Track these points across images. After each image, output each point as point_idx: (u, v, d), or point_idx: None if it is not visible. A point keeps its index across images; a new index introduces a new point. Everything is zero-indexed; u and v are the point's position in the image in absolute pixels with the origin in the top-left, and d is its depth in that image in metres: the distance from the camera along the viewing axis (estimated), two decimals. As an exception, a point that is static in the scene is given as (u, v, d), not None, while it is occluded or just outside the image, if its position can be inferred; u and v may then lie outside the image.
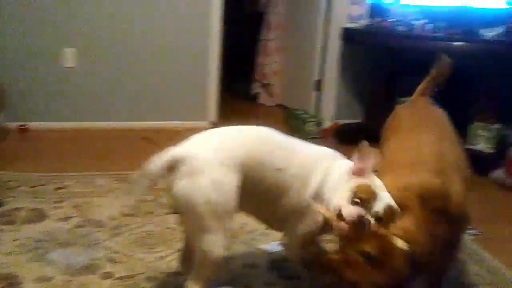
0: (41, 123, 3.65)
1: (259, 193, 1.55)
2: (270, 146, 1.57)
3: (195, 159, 1.42)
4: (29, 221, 2.19)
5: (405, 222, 1.32)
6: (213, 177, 1.41)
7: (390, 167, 1.55)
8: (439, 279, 1.72)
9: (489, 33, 3.12)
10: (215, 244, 1.45)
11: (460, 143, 1.73)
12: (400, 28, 3.44)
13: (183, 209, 1.45)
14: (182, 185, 1.41)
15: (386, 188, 1.44)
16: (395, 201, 1.39)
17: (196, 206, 1.40)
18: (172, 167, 1.42)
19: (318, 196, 1.53)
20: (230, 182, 1.45)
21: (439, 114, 1.85)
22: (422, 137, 1.62)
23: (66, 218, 2.23)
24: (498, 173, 3.02)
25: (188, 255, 1.62)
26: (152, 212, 2.34)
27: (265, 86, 5.02)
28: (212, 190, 1.41)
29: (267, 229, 1.84)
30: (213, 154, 1.46)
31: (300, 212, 1.57)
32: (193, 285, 1.49)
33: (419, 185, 1.38)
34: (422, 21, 3.39)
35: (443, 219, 1.35)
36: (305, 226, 1.58)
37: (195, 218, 1.42)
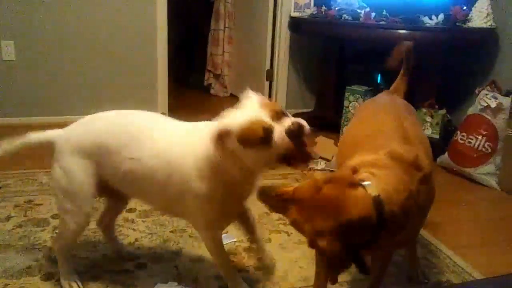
0: (-22, 119, 3.49)
1: (130, 181, 1.55)
2: (124, 134, 1.55)
3: (56, 146, 1.59)
4: (-35, 223, 2.09)
5: (381, 183, 1.20)
6: (62, 165, 1.56)
7: (355, 147, 1.49)
8: (413, 247, 1.82)
9: (430, 21, 3.19)
10: (69, 223, 1.59)
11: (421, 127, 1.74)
12: (346, 17, 3.46)
13: None
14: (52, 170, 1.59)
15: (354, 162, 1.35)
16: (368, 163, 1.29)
17: (54, 190, 1.61)
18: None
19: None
20: (80, 169, 1.54)
21: (401, 102, 1.81)
22: (385, 118, 1.58)
23: (6, 218, 2.14)
24: (444, 158, 3.11)
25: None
26: (96, 209, 2.27)
27: (217, 76, 4.98)
28: (61, 177, 1.55)
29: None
30: (66, 142, 1.57)
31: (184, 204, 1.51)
32: (54, 243, 1.74)
33: (389, 149, 1.32)
34: (366, 9, 3.43)
35: (416, 180, 1.31)
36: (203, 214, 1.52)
37: (56, 200, 1.63)
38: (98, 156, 1.54)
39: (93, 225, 2.10)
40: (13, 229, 2.06)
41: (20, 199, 2.34)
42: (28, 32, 3.51)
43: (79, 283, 1.69)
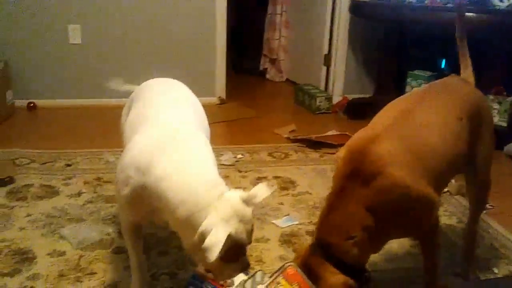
0: (49, 100, 3.64)
1: None
2: None
3: None
4: (40, 197, 2.20)
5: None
6: None
7: None
8: (470, 238, 1.78)
9: (501, 3, 3.04)
10: None
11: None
12: (410, 0, 3.36)
13: None
14: None
15: None
16: None
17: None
18: None
19: None
20: None
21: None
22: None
23: (77, 194, 2.24)
24: (513, 147, 2.98)
25: None
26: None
27: (273, 61, 4.96)
28: None
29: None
30: None
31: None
32: None
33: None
34: (433, -8, 3.31)
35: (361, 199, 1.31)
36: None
37: None
38: None
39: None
40: (84, 204, 2.15)
41: (89, 176, 2.44)
42: (94, 16, 3.62)
43: None
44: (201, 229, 1.17)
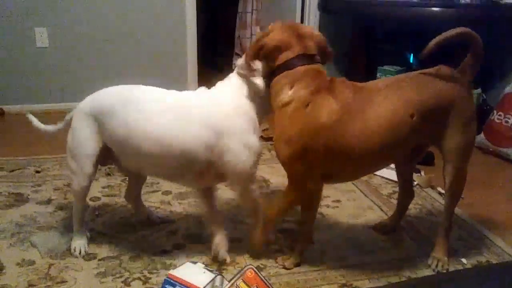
0: (17, 106, 3.57)
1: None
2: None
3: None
4: (8, 205, 2.16)
5: None
6: (72, 127, 1.73)
7: None
8: (444, 230, 1.83)
9: (466, -2, 3.11)
10: (73, 184, 1.77)
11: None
12: (378, -4, 3.40)
13: None
14: None
15: None
16: None
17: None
18: None
19: None
20: (84, 127, 1.69)
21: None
22: None
23: (47, 202, 2.20)
24: (480, 139, 3.04)
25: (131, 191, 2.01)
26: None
27: (245, 59, 4.95)
28: (69, 137, 1.74)
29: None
30: (78, 109, 1.73)
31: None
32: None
33: None
34: (399, -13, 3.36)
35: None
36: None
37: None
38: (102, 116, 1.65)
39: (131, 207, 2.16)
40: (54, 211, 2.12)
41: (59, 182, 2.40)
42: (61, 19, 3.56)
43: (85, 249, 1.81)
44: None
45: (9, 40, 3.52)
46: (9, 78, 3.57)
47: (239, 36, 4.94)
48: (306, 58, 1.57)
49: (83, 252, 1.79)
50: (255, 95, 1.63)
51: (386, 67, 3.40)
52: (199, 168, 1.61)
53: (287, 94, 1.55)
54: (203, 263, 1.71)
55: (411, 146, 1.67)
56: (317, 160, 1.54)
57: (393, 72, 3.35)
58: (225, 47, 5.14)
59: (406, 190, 1.97)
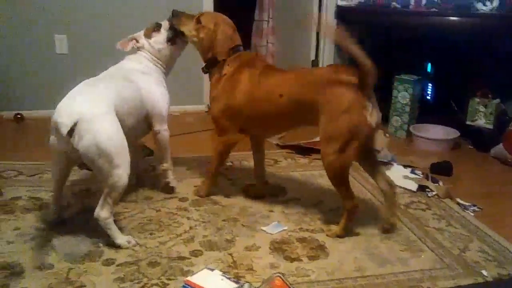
0: (36, 111, 3.62)
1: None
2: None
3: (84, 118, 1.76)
4: (28, 210, 2.18)
5: None
6: (104, 127, 1.79)
7: None
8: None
9: (484, 7, 3.08)
10: (123, 178, 1.81)
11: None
12: (395, 5, 3.39)
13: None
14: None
15: None
16: None
17: (103, 153, 1.77)
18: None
19: None
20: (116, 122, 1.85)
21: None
22: None
23: (66, 206, 2.22)
24: (498, 149, 3.01)
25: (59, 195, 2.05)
26: (151, 198, 2.34)
27: (261, 67, 4.96)
28: (109, 134, 1.79)
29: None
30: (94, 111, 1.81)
31: None
32: (102, 211, 1.84)
33: None
34: (416, -3, 3.35)
35: None
36: None
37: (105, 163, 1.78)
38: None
39: (148, 213, 2.17)
40: (72, 216, 2.14)
41: (76, 187, 2.42)
42: (80, 26, 3.61)
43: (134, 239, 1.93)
44: None
45: (30, 47, 3.58)
46: (29, 83, 3.63)
47: (255, 44, 4.95)
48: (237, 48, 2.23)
49: (133, 242, 1.91)
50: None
51: (403, 76, 3.39)
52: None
53: (226, 69, 2.17)
54: (220, 270, 1.71)
55: (292, 121, 2.10)
56: (235, 115, 2.13)
57: (410, 81, 3.34)
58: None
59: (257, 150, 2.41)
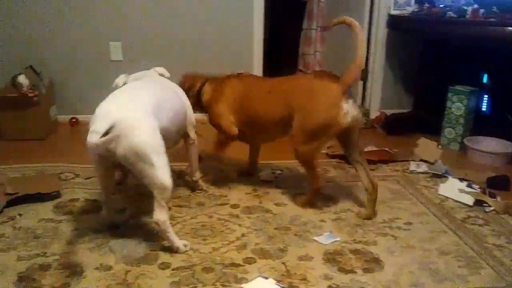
0: (91, 116, 3.71)
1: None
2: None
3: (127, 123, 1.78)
4: (86, 211, 2.25)
5: None
6: (149, 130, 1.82)
7: None
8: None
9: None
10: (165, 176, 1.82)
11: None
12: (450, 14, 3.31)
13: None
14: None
15: None
16: None
17: (148, 154, 1.78)
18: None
19: None
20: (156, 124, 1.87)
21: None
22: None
23: (121, 210, 2.28)
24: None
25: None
26: (203, 204, 2.37)
27: (308, 76, 4.95)
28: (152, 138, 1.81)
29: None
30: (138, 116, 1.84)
31: None
32: (160, 214, 1.85)
33: None
34: (474, 6, 3.26)
35: None
36: None
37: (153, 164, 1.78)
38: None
39: (201, 218, 2.20)
40: (128, 219, 2.19)
41: (131, 192, 2.48)
42: (135, 33, 3.71)
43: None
44: None
45: (85, 53, 3.71)
46: (84, 89, 3.75)
47: (303, 53, 4.94)
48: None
49: (189, 246, 1.95)
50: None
51: (458, 87, 3.30)
52: None
53: (209, 90, 2.52)
54: (274, 278, 1.71)
55: (280, 122, 2.27)
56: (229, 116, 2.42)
57: (465, 93, 3.25)
58: (289, 64, 5.16)
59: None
